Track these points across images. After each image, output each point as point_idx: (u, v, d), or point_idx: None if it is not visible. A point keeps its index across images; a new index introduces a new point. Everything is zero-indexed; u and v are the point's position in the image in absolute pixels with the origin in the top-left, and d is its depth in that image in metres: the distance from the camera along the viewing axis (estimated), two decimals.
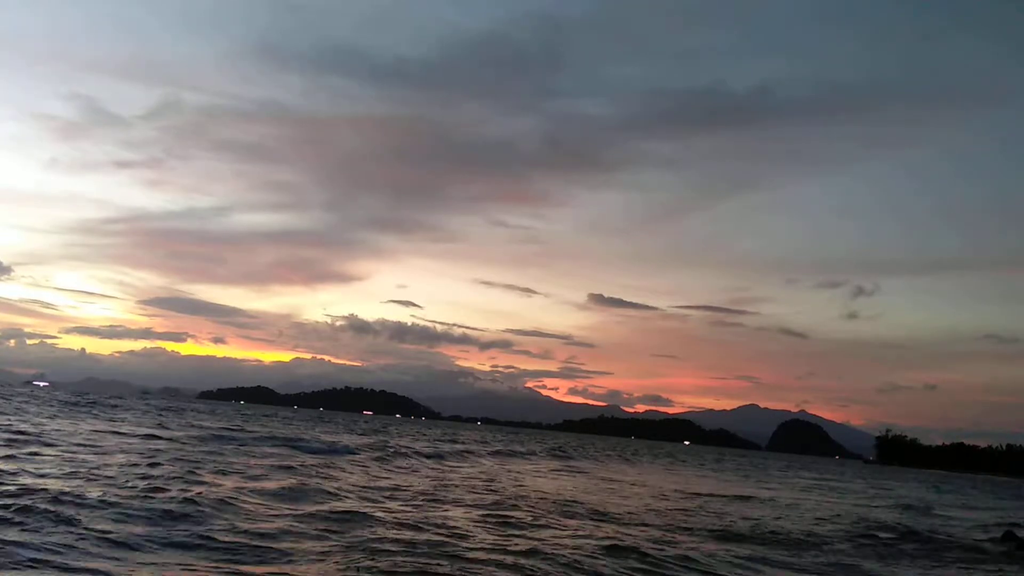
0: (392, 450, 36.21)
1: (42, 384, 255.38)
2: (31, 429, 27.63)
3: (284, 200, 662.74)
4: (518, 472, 32.69)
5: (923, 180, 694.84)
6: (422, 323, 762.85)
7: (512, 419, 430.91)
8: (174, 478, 16.56)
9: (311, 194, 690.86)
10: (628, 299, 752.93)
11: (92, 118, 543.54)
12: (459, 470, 30.23)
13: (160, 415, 54.02)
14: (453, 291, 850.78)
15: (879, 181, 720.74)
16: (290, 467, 22.44)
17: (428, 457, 35.22)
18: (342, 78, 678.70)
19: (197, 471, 18.44)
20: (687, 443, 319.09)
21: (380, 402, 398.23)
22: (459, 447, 48.97)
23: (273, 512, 14.17)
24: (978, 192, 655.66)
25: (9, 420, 32.02)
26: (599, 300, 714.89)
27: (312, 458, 27.50)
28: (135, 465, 18.56)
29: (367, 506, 16.01)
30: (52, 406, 51.50)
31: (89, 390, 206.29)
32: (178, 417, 53.46)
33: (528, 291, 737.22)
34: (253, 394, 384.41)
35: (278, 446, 31.75)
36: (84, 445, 23.17)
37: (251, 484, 17.43)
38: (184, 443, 28.16)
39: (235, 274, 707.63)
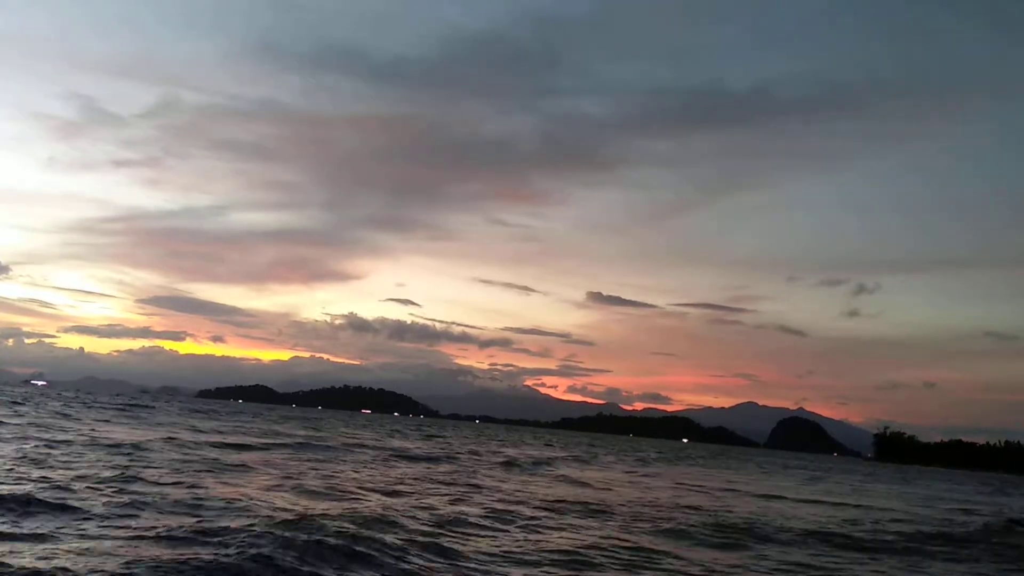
0: (498, 459, 37.21)
1: (40, 383, 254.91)
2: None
3: (283, 199, 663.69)
4: (635, 481, 32.18)
5: (924, 176, 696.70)
6: (421, 321, 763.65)
7: (510, 417, 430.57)
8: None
9: (310, 193, 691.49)
10: (627, 297, 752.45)
11: (90, 117, 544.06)
12: (580, 480, 29.66)
13: (220, 419, 55.54)
14: (452, 289, 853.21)
15: (880, 178, 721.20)
16: (441, 473, 24.28)
17: (533, 464, 35.85)
18: (341, 77, 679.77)
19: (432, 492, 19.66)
20: (685, 440, 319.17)
21: (379, 401, 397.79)
22: (537, 452, 50.14)
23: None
24: (979, 188, 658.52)
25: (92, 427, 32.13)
26: (598, 298, 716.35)
27: (438, 466, 28.78)
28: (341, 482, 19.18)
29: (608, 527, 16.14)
30: (103, 410, 51.59)
31: (88, 389, 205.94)
32: (228, 421, 54.58)
33: (527, 289, 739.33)
34: (252, 393, 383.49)
35: (391, 455, 32.46)
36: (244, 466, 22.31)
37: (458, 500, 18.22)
38: (313, 455, 28.67)
39: (234, 273, 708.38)
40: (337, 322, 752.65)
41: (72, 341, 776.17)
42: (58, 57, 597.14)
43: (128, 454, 21.23)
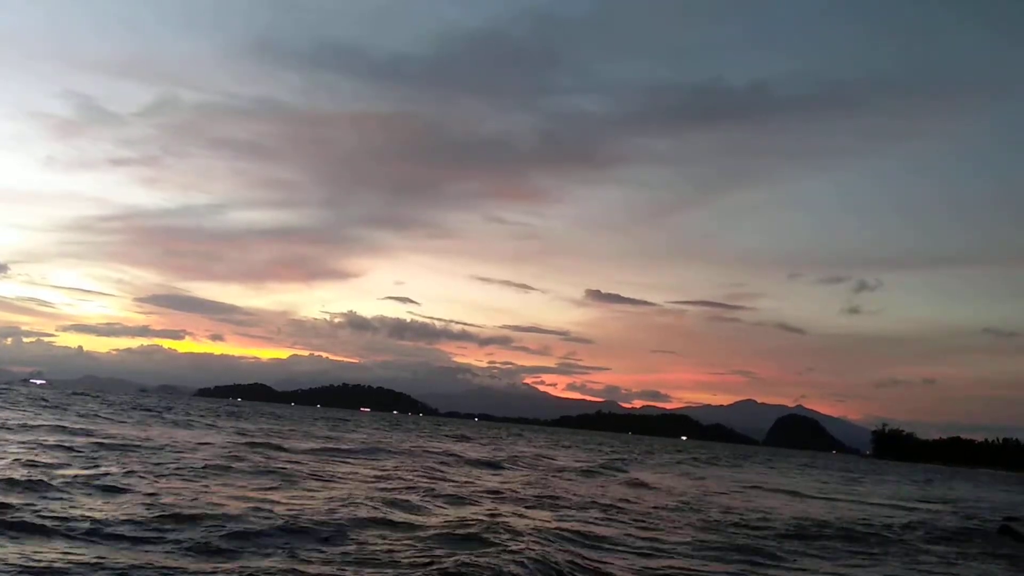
0: (560, 462, 38.04)
1: (39, 382, 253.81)
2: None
3: (281, 197, 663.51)
4: (724, 489, 31.82)
5: (924, 174, 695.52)
6: (420, 319, 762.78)
7: (509, 415, 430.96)
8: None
9: (308, 191, 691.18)
10: (625, 295, 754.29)
11: (89, 116, 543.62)
12: (669, 487, 29.16)
13: (261, 420, 56.52)
14: (450, 287, 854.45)
15: (879, 176, 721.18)
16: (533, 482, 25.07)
17: (605, 469, 36.07)
18: (340, 75, 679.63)
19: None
20: (684, 438, 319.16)
21: (378, 399, 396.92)
22: (586, 456, 50.17)
23: None
24: (979, 186, 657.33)
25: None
26: (596, 296, 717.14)
27: (515, 473, 28.98)
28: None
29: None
30: (140, 412, 51.30)
31: (87, 388, 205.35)
32: (269, 423, 55.10)
33: (526, 287, 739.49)
34: (250, 391, 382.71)
35: (463, 461, 32.52)
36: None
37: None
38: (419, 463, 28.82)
39: (232, 271, 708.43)
40: (336, 320, 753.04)
41: (71, 340, 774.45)
42: (56, 56, 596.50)
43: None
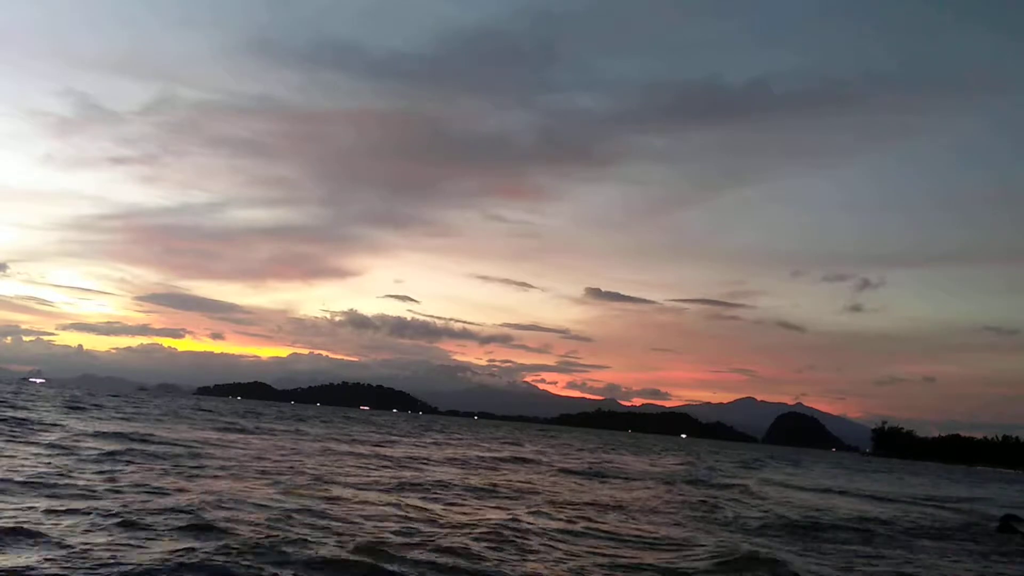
0: (641, 466, 39.17)
1: (38, 381, 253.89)
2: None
3: (280, 195, 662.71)
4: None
5: (923, 172, 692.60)
6: (420, 318, 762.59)
7: (508, 413, 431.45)
8: None
9: (307, 189, 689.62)
10: (625, 293, 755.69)
11: (87, 114, 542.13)
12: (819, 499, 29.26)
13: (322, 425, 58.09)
14: (450, 286, 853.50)
15: (880, 173, 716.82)
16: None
17: (704, 474, 37.22)
18: (338, 73, 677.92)
19: None
20: (684, 436, 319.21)
21: (378, 397, 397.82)
22: (648, 460, 50.62)
23: None
24: (979, 184, 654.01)
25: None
26: (596, 294, 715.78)
27: (639, 489, 28.46)
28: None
29: None
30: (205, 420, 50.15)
31: (86, 387, 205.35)
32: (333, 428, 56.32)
33: (525, 285, 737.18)
34: (250, 390, 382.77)
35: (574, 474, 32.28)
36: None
37: None
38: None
39: (232, 270, 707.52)
40: (336, 319, 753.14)
41: (70, 339, 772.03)
42: (54, 54, 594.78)
43: None
